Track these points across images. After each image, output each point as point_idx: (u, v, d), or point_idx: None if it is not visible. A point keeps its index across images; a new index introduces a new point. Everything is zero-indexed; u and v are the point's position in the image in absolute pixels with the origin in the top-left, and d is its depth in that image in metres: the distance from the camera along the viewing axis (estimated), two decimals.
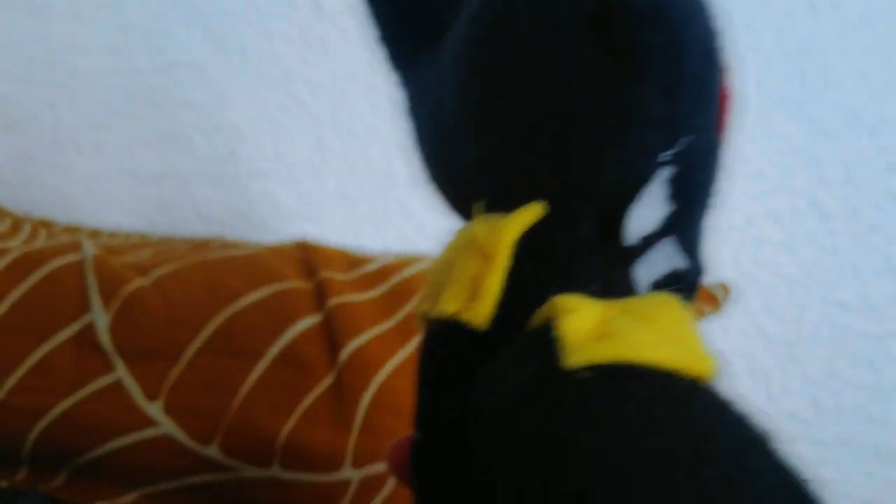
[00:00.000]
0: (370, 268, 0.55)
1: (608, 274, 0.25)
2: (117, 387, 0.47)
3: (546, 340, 0.22)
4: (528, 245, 0.25)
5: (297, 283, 0.52)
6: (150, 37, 0.69)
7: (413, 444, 0.28)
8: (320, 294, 0.52)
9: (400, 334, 0.51)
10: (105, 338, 0.47)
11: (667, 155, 0.24)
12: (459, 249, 0.27)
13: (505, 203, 0.26)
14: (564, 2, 0.24)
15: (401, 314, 0.52)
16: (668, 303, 0.24)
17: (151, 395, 0.47)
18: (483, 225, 0.26)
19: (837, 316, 0.76)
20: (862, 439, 0.78)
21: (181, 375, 0.48)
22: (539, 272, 0.25)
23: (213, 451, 0.47)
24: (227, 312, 0.49)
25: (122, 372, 0.47)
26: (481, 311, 0.25)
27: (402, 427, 0.49)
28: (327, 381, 0.49)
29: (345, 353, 0.50)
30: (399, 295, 0.53)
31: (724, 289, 0.66)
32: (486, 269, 0.25)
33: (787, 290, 0.75)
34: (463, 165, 0.28)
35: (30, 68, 0.69)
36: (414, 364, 0.51)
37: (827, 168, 0.73)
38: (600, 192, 0.25)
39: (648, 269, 0.26)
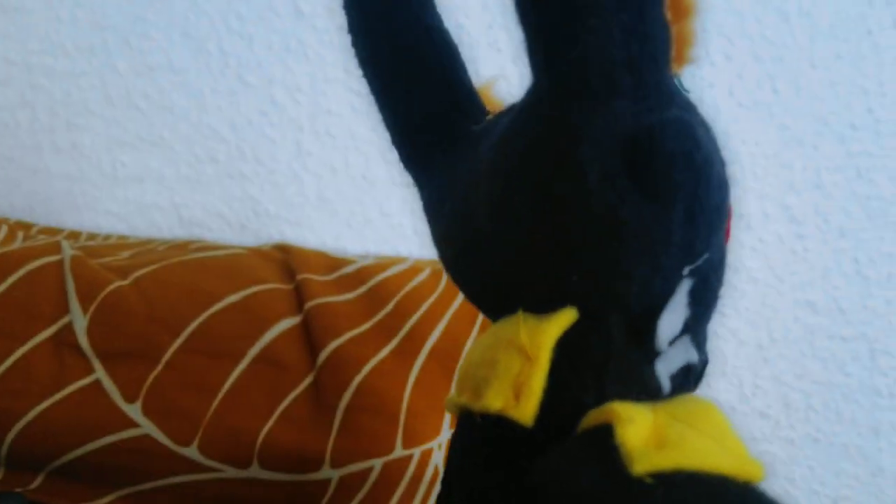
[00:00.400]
0: (349, 270, 0.55)
1: (637, 375, 0.28)
2: (96, 388, 0.47)
3: (607, 445, 0.24)
4: (565, 348, 0.28)
5: (276, 285, 0.52)
6: (129, 39, 0.69)
7: None
8: (299, 295, 0.52)
9: (378, 336, 0.52)
10: (83, 339, 0.47)
11: (686, 271, 0.27)
12: (500, 348, 0.29)
13: (538, 306, 0.29)
14: (597, 141, 0.27)
15: (379, 316, 0.52)
16: (706, 406, 0.27)
17: (130, 397, 0.47)
18: (525, 326, 0.28)
19: (807, 318, 0.77)
20: (831, 438, 0.79)
21: (160, 376, 0.48)
22: (576, 374, 0.28)
23: (191, 451, 0.48)
24: (206, 314, 0.49)
25: (100, 373, 0.47)
26: (527, 410, 0.27)
27: (380, 427, 0.50)
28: (306, 381, 0.50)
29: (323, 355, 0.50)
30: (377, 297, 0.53)
31: None
32: (530, 369, 0.27)
33: (758, 293, 0.76)
34: (493, 266, 0.30)
35: (7, 69, 0.69)
36: (392, 365, 0.51)
37: (797, 174, 0.74)
38: (629, 303, 0.28)
39: (668, 364, 0.29)
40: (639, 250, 0.27)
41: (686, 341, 0.29)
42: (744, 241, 0.75)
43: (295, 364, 0.50)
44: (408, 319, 0.52)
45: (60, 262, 0.50)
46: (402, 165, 0.36)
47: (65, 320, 0.47)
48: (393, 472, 0.50)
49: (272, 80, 0.70)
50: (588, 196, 0.27)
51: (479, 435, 0.30)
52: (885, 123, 0.73)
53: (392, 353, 0.51)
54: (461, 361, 0.50)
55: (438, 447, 0.51)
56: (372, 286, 0.54)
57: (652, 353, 0.28)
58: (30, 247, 0.51)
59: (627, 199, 0.26)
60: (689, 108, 0.28)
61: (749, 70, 0.72)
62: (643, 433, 0.25)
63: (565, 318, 0.28)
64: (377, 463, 0.50)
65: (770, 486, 0.24)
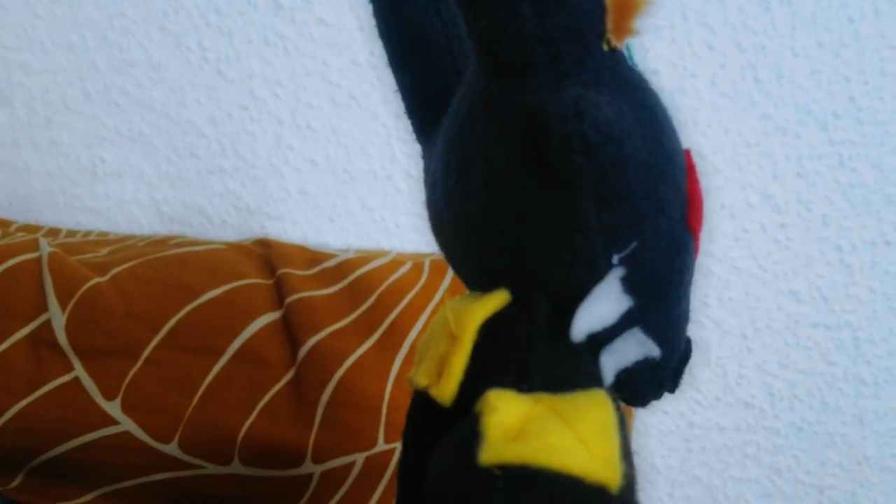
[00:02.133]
0: (330, 264, 0.55)
1: (565, 363, 0.27)
2: (75, 385, 0.47)
3: (473, 432, 0.24)
4: (491, 331, 0.27)
5: (256, 280, 0.52)
6: (108, 35, 0.69)
7: (396, 497, 0.32)
8: (280, 290, 0.52)
9: (359, 330, 0.52)
10: (62, 337, 0.47)
11: (615, 258, 0.26)
12: (437, 326, 0.29)
13: (483, 283, 0.29)
14: (509, 119, 0.26)
15: (360, 310, 0.52)
16: (598, 402, 0.26)
17: (110, 394, 0.47)
18: (454, 307, 0.28)
19: (791, 307, 0.77)
20: (816, 427, 0.80)
21: (139, 373, 0.48)
22: (497, 358, 0.27)
23: (172, 448, 0.47)
24: (185, 309, 0.49)
25: (79, 370, 0.47)
26: (446, 389, 0.27)
27: (361, 421, 0.50)
28: (287, 377, 0.49)
29: (304, 349, 0.50)
30: (359, 291, 0.53)
31: None
32: (452, 350, 0.27)
33: (742, 283, 0.76)
34: (450, 239, 0.30)
35: None
36: (374, 359, 0.51)
37: (779, 163, 0.74)
38: (554, 288, 0.27)
39: (615, 357, 0.28)
40: (555, 235, 0.26)
41: (637, 333, 0.28)
42: (727, 230, 0.75)
43: (276, 359, 0.50)
44: (389, 313, 0.52)
45: (38, 260, 0.49)
46: (414, 137, 0.35)
47: (43, 318, 0.47)
48: (375, 467, 0.50)
49: (252, 75, 0.70)
50: (500, 176, 0.26)
51: (415, 410, 0.31)
52: (867, 111, 0.73)
53: (373, 347, 0.51)
54: None
55: None
56: (353, 280, 0.54)
57: (590, 344, 0.27)
58: (7, 244, 0.51)
59: (535, 181, 0.25)
60: (625, 85, 0.26)
61: (731, 59, 0.72)
62: (508, 422, 0.24)
63: (495, 300, 0.27)
64: (359, 457, 0.50)
65: (635, 495, 0.24)
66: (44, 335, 0.47)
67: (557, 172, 0.25)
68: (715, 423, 0.79)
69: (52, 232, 0.62)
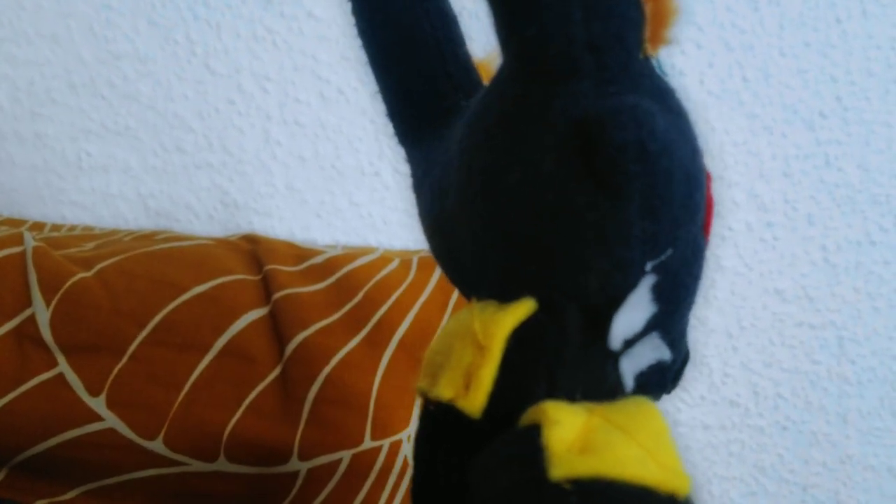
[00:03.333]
0: (317, 260, 0.55)
1: (595, 370, 0.27)
2: (59, 381, 0.46)
3: (533, 447, 0.24)
4: (520, 340, 0.27)
5: (243, 276, 0.52)
6: (94, 27, 0.68)
7: None
8: (267, 287, 0.52)
9: (347, 327, 0.51)
10: (46, 332, 0.47)
11: (650, 266, 0.26)
12: (457, 335, 0.28)
13: (500, 292, 0.28)
14: (553, 125, 0.25)
15: (347, 307, 0.52)
16: (649, 410, 0.26)
17: (94, 390, 0.47)
18: (480, 316, 0.28)
19: (776, 306, 0.78)
20: (800, 426, 0.80)
21: (125, 369, 0.47)
22: (528, 367, 0.27)
23: (157, 445, 0.47)
24: (171, 305, 0.49)
25: (64, 366, 0.47)
26: (475, 402, 0.26)
27: (348, 419, 0.50)
28: (274, 373, 0.49)
29: (291, 346, 0.50)
30: (346, 288, 0.53)
31: None
32: (481, 360, 0.26)
33: (727, 281, 0.77)
34: (461, 247, 0.30)
35: None
36: (361, 356, 0.51)
37: (766, 162, 0.75)
38: (587, 296, 0.27)
39: (634, 361, 0.28)
40: (595, 242, 0.25)
41: (655, 339, 0.28)
42: (712, 229, 0.75)
43: (262, 356, 0.49)
44: (376, 310, 0.52)
45: (23, 254, 0.49)
46: (396, 140, 0.35)
47: (27, 313, 0.47)
48: (362, 464, 0.50)
49: (240, 69, 0.70)
50: (541, 182, 0.26)
51: (434, 422, 0.30)
52: (853, 111, 0.74)
53: (360, 344, 0.51)
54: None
55: (408, 439, 0.51)
56: (340, 277, 0.53)
57: (614, 350, 0.27)
58: None
59: (581, 188, 0.25)
60: (660, 93, 0.26)
61: (719, 58, 0.72)
62: (570, 436, 0.24)
63: (522, 308, 0.27)
64: (346, 455, 0.50)
65: (698, 500, 0.24)
66: (28, 330, 0.46)
67: (609, 180, 0.24)
68: (700, 422, 0.79)
69: (37, 226, 0.62)
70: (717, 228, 0.75)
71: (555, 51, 0.25)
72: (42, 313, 0.47)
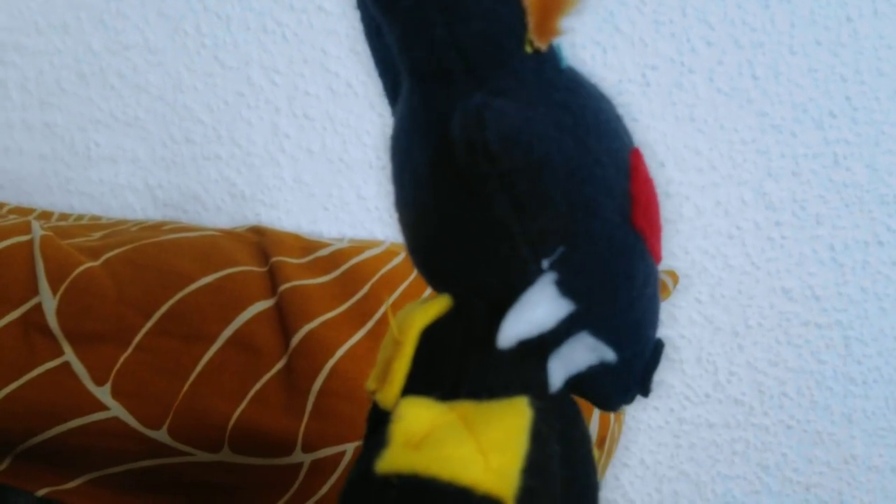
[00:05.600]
0: (323, 253, 0.55)
1: (500, 369, 0.27)
2: (65, 370, 0.46)
3: (381, 441, 0.24)
4: (430, 336, 0.27)
5: (249, 268, 0.52)
6: (104, 17, 0.68)
7: None
8: (273, 278, 0.52)
9: (352, 319, 0.51)
10: (53, 321, 0.47)
11: (544, 263, 0.26)
12: (389, 332, 0.29)
13: (433, 287, 0.29)
14: (428, 128, 0.26)
15: (353, 299, 0.52)
16: (514, 410, 0.26)
17: (100, 379, 0.47)
18: (401, 312, 0.28)
19: (782, 305, 0.77)
20: (805, 425, 0.80)
21: (130, 359, 0.47)
22: (435, 363, 0.27)
23: (161, 435, 0.47)
24: (178, 296, 0.49)
25: (69, 355, 0.47)
26: (388, 395, 0.27)
27: (352, 411, 0.50)
28: (279, 365, 0.49)
29: (297, 338, 0.50)
30: (352, 280, 0.53)
31: (673, 277, 0.67)
32: (395, 355, 0.27)
33: (734, 280, 0.77)
34: (408, 247, 0.30)
35: None
36: (366, 349, 0.51)
37: (774, 160, 0.74)
38: (488, 293, 0.27)
39: (564, 362, 0.27)
40: (482, 241, 0.26)
41: (585, 338, 0.27)
42: (720, 227, 0.75)
43: (268, 347, 0.49)
44: (382, 303, 0.52)
45: (30, 243, 0.49)
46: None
47: (34, 301, 0.47)
48: None
49: (249, 61, 0.70)
50: (424, 185, 0.26)
51: (370, 414, 0.31)
52: (863, 111, 0.74)
53: (366, 337, 0.51)
54: None
55: None
56: (346, 269, 0.53)
57: (534, 348, 0.27)
58: None
59: (453, 189, 0.25)
60: (547, 87, 0.26)
61: (729, 56, 0.72)
62: (412, 431, 0.24)
63: (436, 306, 0.27)
64: (349, 447, 0.50)
65: None
66: (34, 319, 0.46)
67: (469, 180, 0.25)
68: (704, 420, 0.79)
69: (45, 215, 0.62)
70: (726, 228, 0.75)
71: (421, 51, 0.25)
72: (49, 302, 0.47)
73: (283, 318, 0.50)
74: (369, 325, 0.51)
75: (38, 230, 0.50)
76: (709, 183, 0.74)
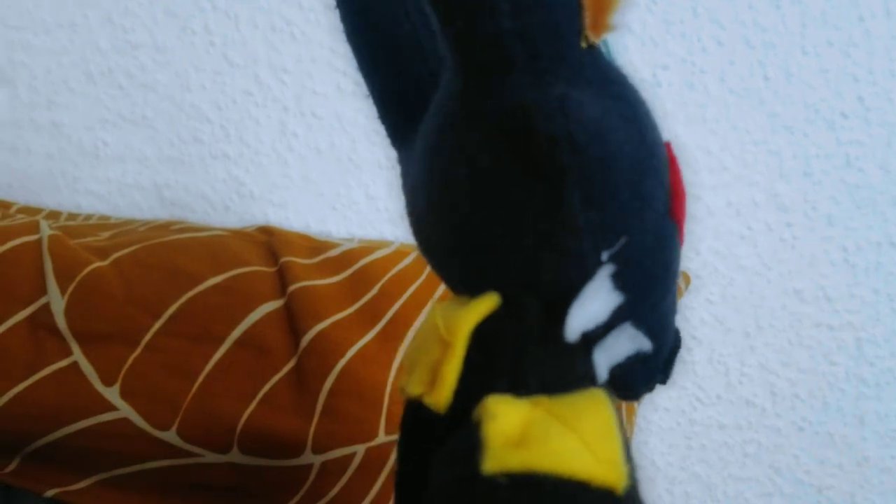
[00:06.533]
0: (333, 253, 0.55)
1: (559, 364, 0.27)
2: (73, 370, 0.46)
3: (473, 442, 0.24)
4: (482, 335, 0.27)
5: (259, 268, 0.52)
6: (112, 16, 0.68)
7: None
8: (282, 278, 0.51)
9: (362, 320, 0.51)
10: (61, 320, 0.46)
11: (604, 256, 0.26)
12: (427, 332, 0.28)
13: (470, 287, 0.28)
14: (489, 120, 0.25)
15: (363, 300, 0.52)
16: (597, 402, 0.26)
17: (108, 379, 0.47)
18: (443, 313, 0.28)
19: (794, 306, 0.77)
20: (817, 427, 0.80)
21: (139, 359, 0.47)
22: (490, 363, 0.27)
23: (171, 435, 0.47)
24: (187, 296, 0.49)
25: (78, 355, 0.46)
26: (440, 398, 0.27)
27: (362, 412, 0.49)
28: (288, 366, 0.49)
29: (306, 338, 0.49)
30: (362, 280, 0.53)
31: (685, 278, 0.67)
32: (444, 357, 0.27)
33: (746, 281, 0.76)
34: (434, 244, 0.30)
35: None
36: (376, 349, 0.51)
37: (786, 161, 0.74)
38: (543, 290, 0.27)
39: (608, 353, 0.28)
40: (540, 236, 0.26)
41: (629, 329, 0.28)
42: (732, 228, 0.75)
43: (277, 348, 0.49)
44: (392, 304, 0.52)
45: (38, 242, 0.49)
46: (389, 142, 0.35)
47: (42, 301, 0.47)
48: (376, 458, 0.50)
49: (257, 60, 0.69)
50: (482, 178, 0.26)
51: (410, 418, 0.30)
52: (875, 112, 0.73)
53: (375, 337, 0.51)
54: None
55: None
56: (356, 270, 0.53)
57: (581, 343, 0.27)
58: (7, 226, 0.50)
59: (519, 182, 0.25)
60: (604, 81, 0.26)
61: (740, 56, 0.72)
62: (508, 429, 0.24)
63: (485, 304, 0.27)
64: (359, 449, 0.49)
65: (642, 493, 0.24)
66: (43, 319, 0.46)
67: (544, 172, 0.24)
68: (716, 421, 0.79)
69: (53, 215, 0.62)
70: (737, 228, 0.74)
71: (485, 42, 0.24)
72: (57, 301, 0.47)
73: (293, 319, 0.50)
74: (380, 325, 0.51)
75: (46, 229, 0.50)
76: (720, 183, 0.74)
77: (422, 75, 0.32)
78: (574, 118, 0.24)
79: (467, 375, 0.27)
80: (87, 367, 0.46)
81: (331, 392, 0.49)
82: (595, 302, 0.26)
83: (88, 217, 0.62)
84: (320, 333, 0.50)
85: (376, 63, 0.33)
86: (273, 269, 0.52)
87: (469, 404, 0.26)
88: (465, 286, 0.29)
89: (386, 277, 0.53)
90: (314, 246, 0.55)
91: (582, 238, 0.25)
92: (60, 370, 0.46)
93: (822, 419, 0.79)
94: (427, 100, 0.31)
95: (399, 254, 0.55)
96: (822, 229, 0.75)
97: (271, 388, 0.48)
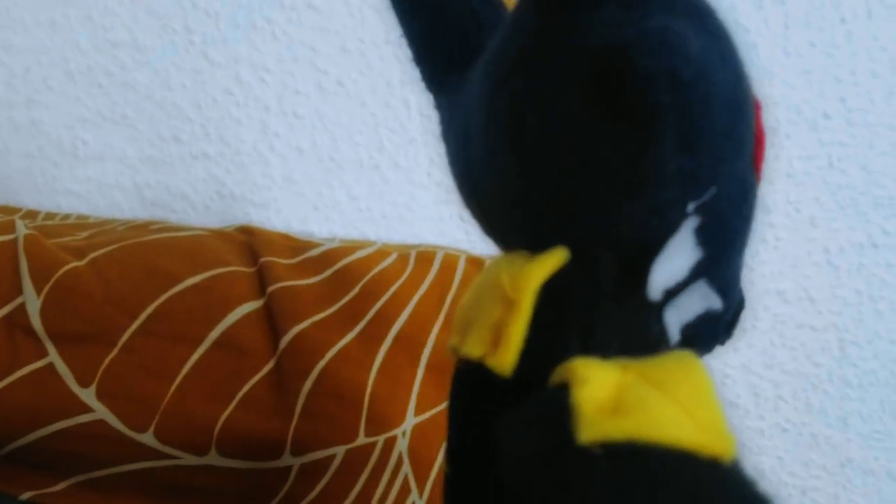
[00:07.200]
0: (314, 253, 0.54)
1: (634, 324, 0.25)
2: (49, 371, 0.46)
3: (562, 408, 0.22)
4: (550, 293, 0.25)
5: (238, 268, 0.51)
6: (92, 14, 0.68)
7: (445, 476, 0.29)
8: (262, 278, 0.51)
9: (342, 321, 0.51)
10: (37, 321, 0.46)
11: (690, 207, 0.24)
12: (487, 289, 0.26)
13: (531, 242, 0.26)
14: (573, 59, 0.23)
15: (344, 300, 0.51)
16: (690, 365, 0.23)
17: (85, 381, 0.46)
18: (508, 269, 0.26)
19: (777, 307, 0.77)
20: (800, 428, 0.80)
21: (116, 360, 0.47)
22: (560, 321, 0.25)
23: (148, 437, 0.47)
24: (164, 296, 0.48)
25: (54, 356, 0.46)
26: (505, 360, 0.24)
27: (342, 413, 0.49)
28: (267, 367, 0.49)
29: (286, 339, 0.49)
30: (343, 281, 0.52)
31: None
32: (510, 316, 0.25)
33: None
34: (490, 196, 0.28)
35: None
36: (357, 350, 0.51)
37: (768, 162, 0.74)
38: (621, 243, 0.24)
39: (680, 312, 0.26)
40: (626, 185, 0.23)
41: (702, 286, 0.25)
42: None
43: (256, 349, 0.49)
44: (373, 304, 0.52)
45: (14, 242, 0.48)
46: (423, 86, 0.32)
47: (17, 301, 0.46)
48: (356, 460, 0.49)
49: (238, 59, 0.69)
50: (563, 123, 0.23)
51: (466, 381, 0.28)
52: (857, 113, 0.73)
53: (356, 338, 0.50)
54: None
55: (403, 434, 0.51)
56: (337, 270, 0.53)
57: (655, 301, 0.25)
58: None
59: (607, 127, 0.23)
60: (696, 12, 0.24)
61: None
62: (601, 395, 0.22)
63: (553, 259, 0.25)
64: (339, 450, 0.49)
65: (744, 463, 0.22)
66: (18, 319, 0.46)
67: (638, 115, 0.22)
68: None
69: (31, 214, 0.61)
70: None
71: None
72: (33, 302, 0.46)
73: (272, 319, 0.50)
74: (360, 326, 0.51)
75: (21, 229, 0.49)
76: None
77: (463, 14, 0.30)
78: (678, 52, 0.21)
79: (535, 336, 0.24)
80: (62, 368, 0.46)
81: (310, 393, 0.49)
82: (678, 258, 0.24)
83: (66, 217, 0.61)
84: (300, 334, 0.49)
85: (410, 2, 0.31)
86: (252, 270, 0.52)
87: (537, 367, 0.24)
88: (527, 242, 0.26)
89: (367, 277, 0.53)
90: (295, 246, 0.55)
91: (670, 187, 0.23)
92: (36, 371, 0.46)
93: (806, 420, 0.79)
94: (469, 41, 0.29)
95: (381, 254, 0.55)
96: (804, 230, 0.75)
97: (250, 390, 0.48)
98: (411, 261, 0.55)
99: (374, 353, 0.51)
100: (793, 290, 0.77)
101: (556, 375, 0.23)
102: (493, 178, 0.26)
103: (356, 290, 0.52)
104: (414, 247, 0.57)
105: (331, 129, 0.70)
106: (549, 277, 0.25)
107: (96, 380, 0.46)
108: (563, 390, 0.22)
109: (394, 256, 0.55)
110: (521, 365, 0.24)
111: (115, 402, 0.46)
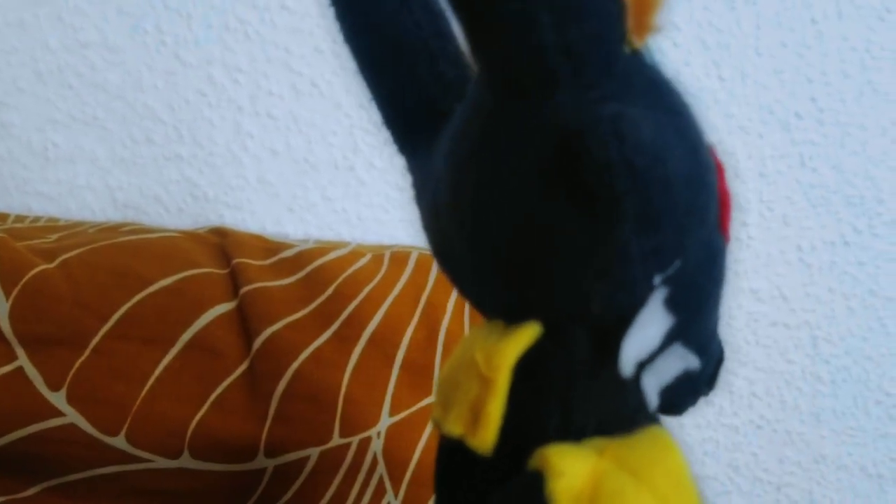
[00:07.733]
0: (287, 254, 0.54)
1: (611, 396, 0.25)
2: (18, 375, 0.45)
3: (539, 498, 0.22)
4: (526, 369, 0.25)
5: (210, 269, 0.51)
6: (62, 14, 0.67)
7: None
8: (235, 280, 0.51)
9: (316, 322, 0.51)
10: (6, 324, 0.45)
11: (657, 280, 0.24)
12: (463, 365, 0.27)
13: (505, 313, 0.26)
14: (531, 142, 0.23)
15: (318, 301, 0.51)
16: (665, 448, 0.24)
17: (55, 384, 0.46)
18: (483, 345, 0.26)
19: (750, 305, 0.78)
20: (774, 425, 0.80)
21: (86, 363, 0.46)
22: (537, 398, 0.25)
23: (119, 441, 0.46)
24: (136, 298, 0.48)
25: (23, 360, 0.46)
26: (485, 438, 0.25)
27: (316, 415, 0.49)
28: (241, 368, 0.49)
29: (259, 341, 0.49)
30: (316, 282, 0.52)
31: None
32: (487, 395, 0.25)
33: None
34: (461, 268, 0.28)
35: None
36: (330, 351, 0.51)
37: (741, 162, 0.75)
38: (593, 317, 0.25)
39: (658, 375, 0.26)
40: (591, 265, 0.23)
41: (678, 348, 0.26)
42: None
43: (229, 350, 0.49)
44: (347, 305, 0.51)
45: None
46: (395, 149, 0.32)
47: None
48: (330, 462, 0.49)
49: (211, 60, 0.69)
50: (526, 204, 0.23)
51: (450, 455, 0.28)
52: (828, 112, 0.74)
53: (330, 339, 0.50)
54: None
55: (377, 435, 0.50)
56: (310, 271, 0.53)
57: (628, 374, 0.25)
58: None
59: (568, 209, 0.23)
60: (652, 89, 0.24)
61: (695, 57, 0.72)
62: (577, 484, 0.22)
63: (526, 335, 0.25)
64: (314, 452, 0.49)
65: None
66: None
67: (597, 200, 0.22)
68: (674, 420, 0.79)
69: (0, 217, 0.61)
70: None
71: (524, 61, 0.22)
72: (1, 305, 0.46)
73: (245, 321, 0.49)
74: (334, 327, 0.51)
75: None
76: None
77: (429, 79, 0.30)
78: (630, 141, 0.21)
79: (513, 414, 0.25)
80: (32, 372, 0.45)
81: (284, 395, 0.48)
82: (649, 329, 0.25)
83: (37, 219, 0.61)
84: (273, 335, 0.49)
85: (379, 66, 0.30)
86: (225, 271, 0.51)
87: (515, 443, 0.24)
88: (500, 312, 0.27)
89: (341, 278, 0.52)
90: (268, 247, 0.55)
91: (634, 266, 0.23)
92: (5, 375, 0.45)
93: (780, 417, 0.80)
94: (436, 105, 0.29)
95: (355, 254, 0.55)
96: (777, 229, 0.76)
97: (223, 392, 0.48)
98: (385, 261, 0.55)
99: (348, 354, 0.51)
100: (766, 288, 0.77)
101: (533, 460, 0.24)
102: (462, 252, 0.27)
103: (330, 291, 0.52)
104: (388, 247, 0.57)
105: (305, 131, 0.70)
106: (523, 353, 0.25)
107: (67, 383, 0.46)
108: (541, 480, 0.23)
109: (368, 257, 0.55)
110: (501, 443, 0.25)
111: (86, 405, 0.46)
